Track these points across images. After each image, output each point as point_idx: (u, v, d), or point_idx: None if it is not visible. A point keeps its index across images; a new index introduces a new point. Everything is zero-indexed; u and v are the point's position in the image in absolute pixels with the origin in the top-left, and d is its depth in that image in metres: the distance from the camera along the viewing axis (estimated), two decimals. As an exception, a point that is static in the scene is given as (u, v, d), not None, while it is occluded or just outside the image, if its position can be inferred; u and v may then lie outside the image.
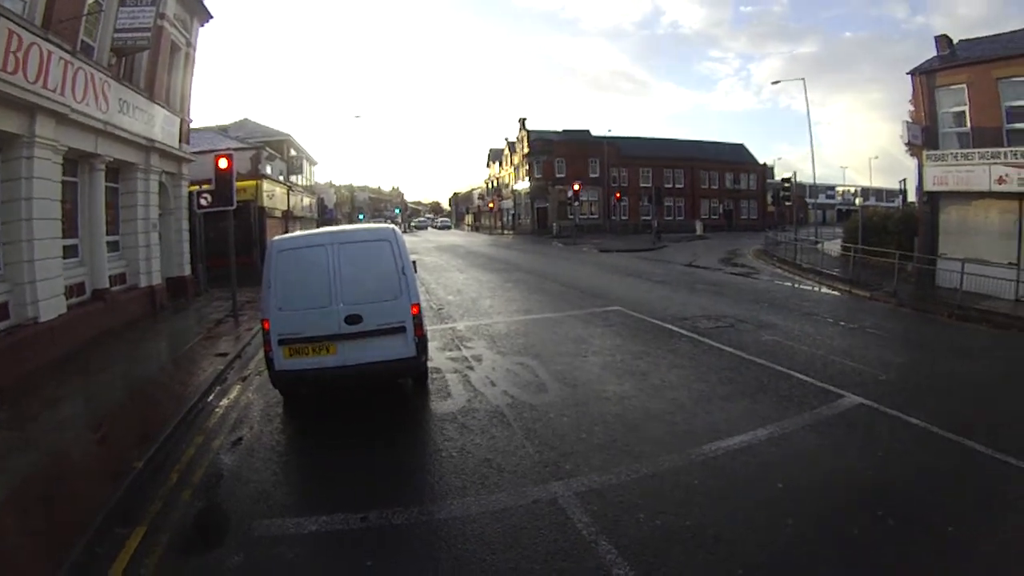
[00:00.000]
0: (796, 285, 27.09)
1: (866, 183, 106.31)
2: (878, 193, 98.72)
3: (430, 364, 12.84)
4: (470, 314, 19.50)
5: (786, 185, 46.31)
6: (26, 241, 13.62)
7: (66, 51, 14.57)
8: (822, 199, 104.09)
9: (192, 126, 26.10)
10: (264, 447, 9.46)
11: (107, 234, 18.53)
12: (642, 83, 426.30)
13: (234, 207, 20.07)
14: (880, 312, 20.00)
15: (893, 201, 72.13)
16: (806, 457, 8.45)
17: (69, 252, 16.44)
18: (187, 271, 24.78)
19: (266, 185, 36.30)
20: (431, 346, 13.55)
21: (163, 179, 22.60)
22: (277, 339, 10.11)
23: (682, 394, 11.14)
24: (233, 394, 12.36)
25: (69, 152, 15.72)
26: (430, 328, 15.62)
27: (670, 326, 16.86)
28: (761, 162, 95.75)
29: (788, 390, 11.27)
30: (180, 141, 23.59)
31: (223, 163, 19.64)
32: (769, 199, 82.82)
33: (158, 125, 21.08)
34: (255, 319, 17.63)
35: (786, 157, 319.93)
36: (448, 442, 9.21)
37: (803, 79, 53.54)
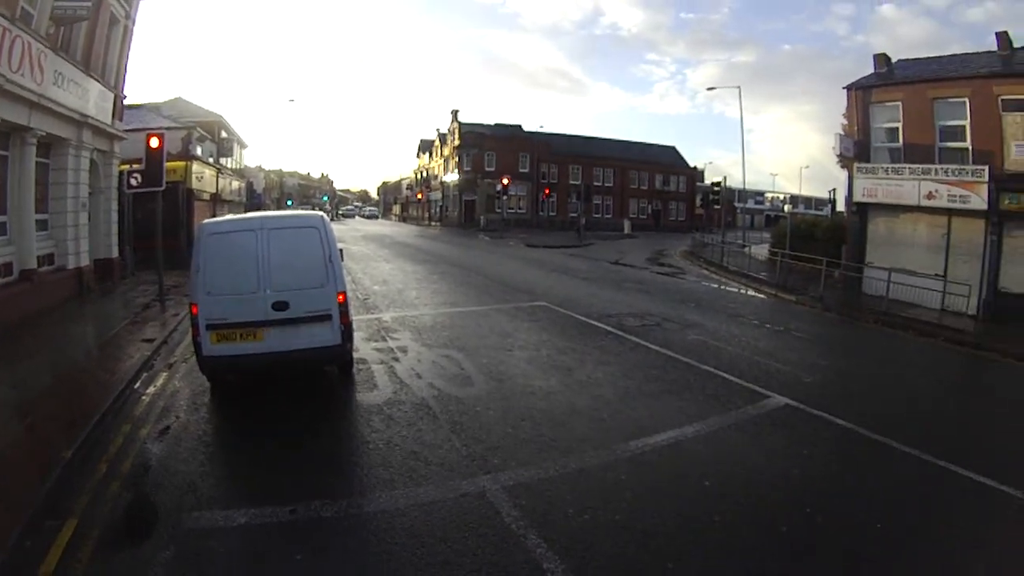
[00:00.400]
0: (722, 287, 27.56)
1: (796, 191, 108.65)
2: (807, 201, 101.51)
3: (356, 354, 12.78)
4: (396, 305, 19.29)
5: (716, 189, 47.05)
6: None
7: (4, 18, 13.80)
8: (751, 204, 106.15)
9: (125, 103, 25.09)
10: (191, 437, 9.15)
11: (36, 212, 17.68)
12: (578, 82, 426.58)
13: (163, 188, 19.34)
14: (806, 316, 20.54)
15: (822, 210, 74.40)
16: (734, 455, 8.57)
17: None
18: (115, 253, 23.86)
19: (196, 167, 35.32)
20: (357, 336, 13.48)
21: (94, 156, 21.70)
22: (205, 324, 10.03)
23: (608, 391, 11.22)
24: (160, 381, 11.92)
25: (1, 124, 15.04)
26: (356, 318, 15.37)
27: (596, 323, 16.97)
28: (692, 165, 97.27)
29: (714, 389, 11.45)
30: (113, 118, 22.69)
31: (154, 142, 18.92)
32: (698, 202, 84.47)
33: (92, 100, 20.18)
34: (181, 304, 17.25)
35: (717, 162, 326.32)
36: (375, 434, 9.08)
37: (739, 87, 56.15)
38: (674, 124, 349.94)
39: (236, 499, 7.29)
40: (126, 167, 21.24)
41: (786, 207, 79.09)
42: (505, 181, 60.20)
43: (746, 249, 38.64)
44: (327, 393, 11.33)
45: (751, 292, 25.99)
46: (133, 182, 19.19)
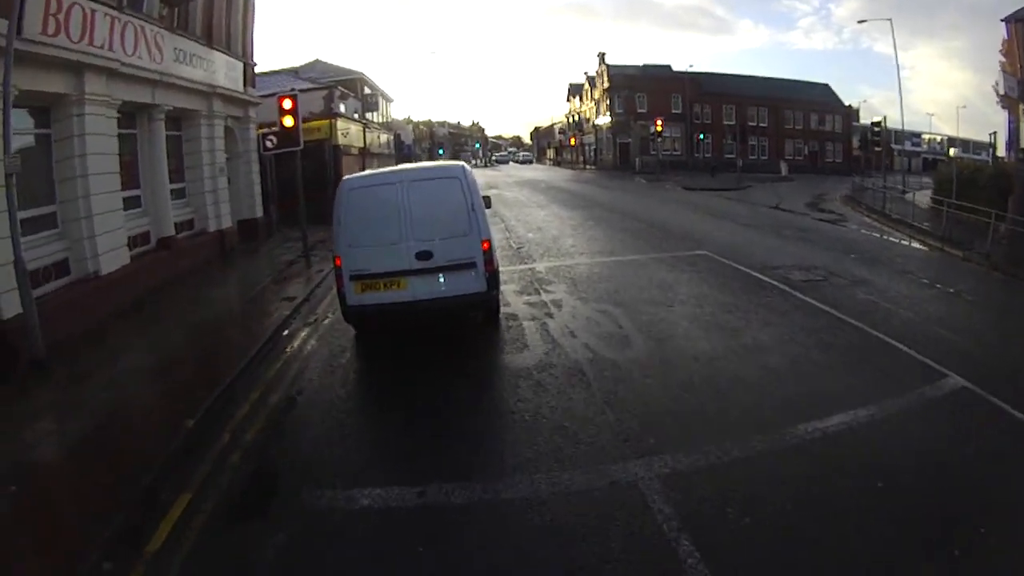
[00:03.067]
0: (885, 237, 24.89)
1: (951, 132, 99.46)
2: (964, 144, 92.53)
3: (507, 309, 12.28)
4: (551, 254, 18.54)
5: (876, 129, 43.39)
6: (82, 198, 13.16)
7: (111, 7, 13.86)
8: (907, 146, 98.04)
9: (262, 69, 25.58)
10: (322, 404, 8.92)
11: (172, 182, 17.93)
12: (721, 20, 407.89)
13: (300, 147, 19.27)
14: (976, 276, 17.88)
15: (979, 154, 68.28)
16: (913, 451, 7.18)
17: (131, 203, 15.98)
18: (258, 213, 24.28)
19: (340, 124, 35.46)
20: (508, 289, 13.04)
21: (229, 123, 22.03)
22: (349, 275, 10.16)
23: (775, 359, 9.96)
24: (296, 342, 11.80)
25: (125, 105, 15.14)
26: (508, 268, 14.98)
27: (760, 275, 15.47)
28: (847, 104, 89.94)
29: (887, 363, 9.90)
30: (245, 85, 22.92)
31: (287, 104, 18.79)
32: (855, 143, 78.84)
33: (219, 71, 20.42)
34: (327, 260, 17.11)
35: (870, 100, 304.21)
36: (521, 403, 8.42)
37: (890, 20, 49.81)
38: (821, 61, 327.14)
39: (362, 476, 6.88)
40: (264, 130, 21.25)
41: (951, 151, 73.02)
42: (659, 123, 57.59)
43: (907, 195, 34.85)
44: (472, 353, 10.83)
45: (915, 244, 23.17)
46: (269, 144, 19.14)
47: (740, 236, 22.11)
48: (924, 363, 9.85)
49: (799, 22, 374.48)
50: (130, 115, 16.21)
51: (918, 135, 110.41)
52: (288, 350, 11.35)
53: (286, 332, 12.36)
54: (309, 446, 7.65)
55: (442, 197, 10.39)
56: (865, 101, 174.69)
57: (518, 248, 19.41)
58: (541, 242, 20.58)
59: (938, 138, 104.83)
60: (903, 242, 23.64)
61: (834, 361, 9.98)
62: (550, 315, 12.28)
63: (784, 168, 65.70)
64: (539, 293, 13.93)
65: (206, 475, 6.93)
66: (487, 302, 10.92)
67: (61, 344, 10.84)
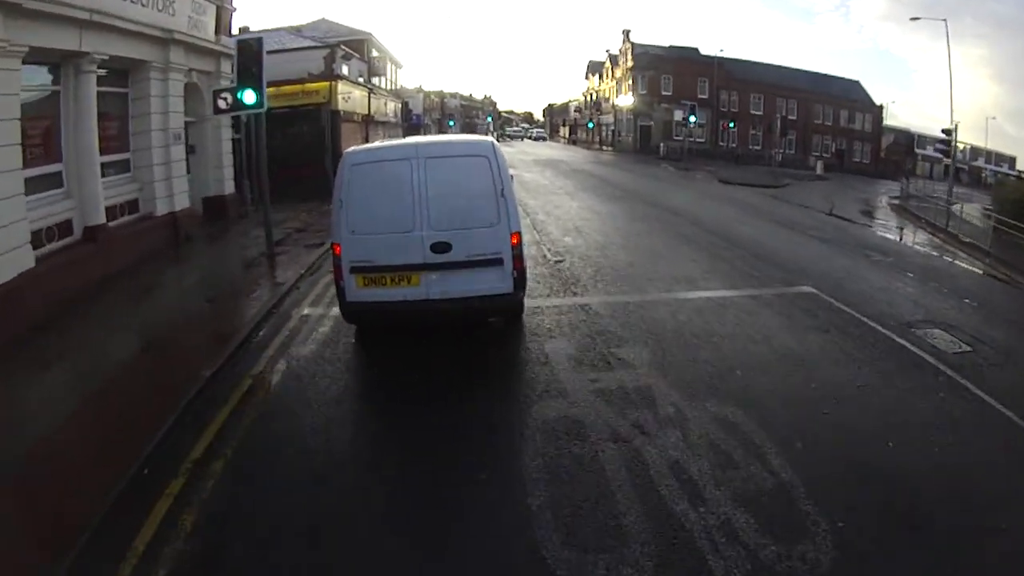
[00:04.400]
0: (975, 268, 18.97)
1: (975, 142, 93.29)
2: (988, 155, 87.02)
3: (571, 410, 7.36)
4: (604, 277, 13.37)
5: (947, 138, 38.20)
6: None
7: None
8: (929, 151, 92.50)
9: (262, 27, 21.43)
10: None
11: (111, 152, 14.14)
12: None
13: (264, 108, 14.25)
14: None
15: (1002, 166, 68.79)
16: None
17: (47, 183, 12.21)
18: (228, 189, 19.53)
19: (342, 87, 31.60)
20: (559, 351, 9.24)
21: (195, 79, 17.52)
22: (349, 266, 8.62)
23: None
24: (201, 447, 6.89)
25: (38, 53, 11.05)
26: (550, 303, 11.04)
27: (899, 339, 10.23)
28: (879, 104, 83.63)
29: None
30: (218, 32, 18.30)
31: (249, 45, 14.14)
32: (883, 143, 73.25)
33: (181, 12, 15.89)
34: (302, 256, 13.28)
35: (886, 100, 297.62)
36: None
37: (945, 20, 44.33)
38: (839, 57, 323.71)
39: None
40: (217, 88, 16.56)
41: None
42: (691, 108, 51.74)
43: (956, 208, 29.44)
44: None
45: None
46: (222, 104, 14.25)
47: (828, 260, 16.73)
48: None
49: (816, 19, 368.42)
50: (54, 67, 12.25)
51: (945, 142, 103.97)
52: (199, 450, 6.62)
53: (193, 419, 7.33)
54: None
55: (466, 178, 8.75)
56: (894, 102, 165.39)
57: (556, 262, 14.25)
58: (586, 254, 15.31)
59: (960, 146, 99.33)
60: (1005, 277, 17.78)
61: None
62: (644, 433, 6.97)
63: (820, 167, 59.88)
64: (611, 367, 8.74)
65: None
66: (512, 305, 9.40)
67: None
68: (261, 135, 14.67)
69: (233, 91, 13.82)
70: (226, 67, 18.90)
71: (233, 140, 20.44)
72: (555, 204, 23.71)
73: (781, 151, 52.25)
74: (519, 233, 8.79)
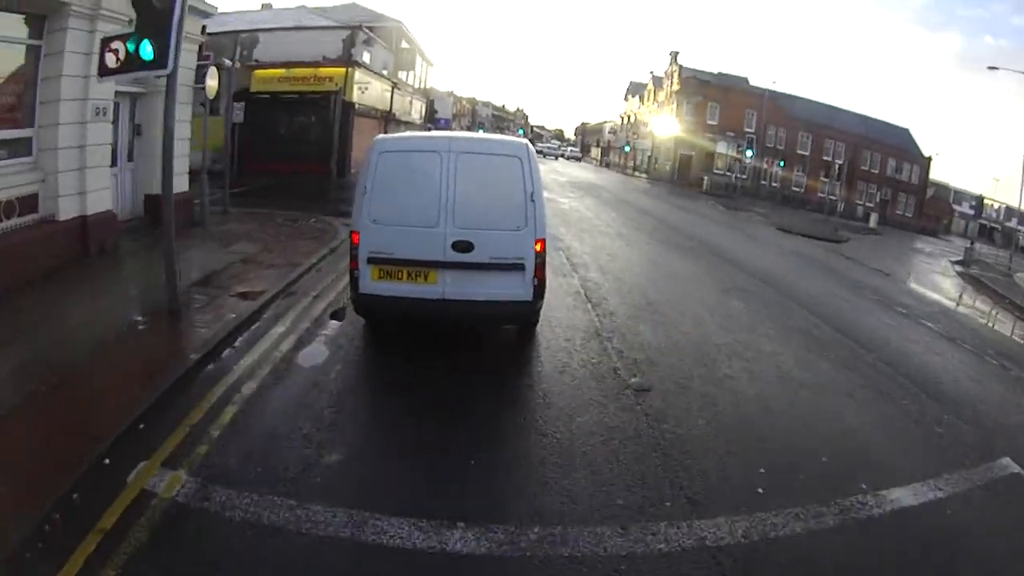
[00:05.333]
0: None
1: (1011, 202, 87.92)
2: (1021, 216, 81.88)
3: None
4: (724, 428, 7.89)
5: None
6: None
7: None
8: (966, 208, 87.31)
9: (284, 5, 17.09)
10: None
11: (4, 126, 10.20)
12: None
13: (169, 70, 8.76)
14: None
15: None
16: None
17: None
18: (182, 185, 14.58)
19: (359, 75, 27.50)
20: None
21: None
22: (367, 256, 8.10)
23: None
24: None
25: None
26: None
27: None
28: (927, 156, 78.25)
29: None
30: None
31: None
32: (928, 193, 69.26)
33: None
34: (225, 308, 9.57)
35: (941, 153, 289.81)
36: None
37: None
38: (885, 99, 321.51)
39: None
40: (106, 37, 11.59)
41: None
42: (749, 146, 46.95)
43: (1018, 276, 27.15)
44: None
45: None
46: (111, 60, 8.91)
47: (992, 390, 11.41)
48: None
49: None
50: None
51: (979, 200, 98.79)
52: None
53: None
54: None
55: (496, 177, 8.28)
56: (938, 154, 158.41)
57: (636, 392, 8.50)
58: (681, 367, 9.61)
59: (995, 204, 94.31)
60: None
61: None
62: None
63: (874, 219, 54.90)
64: None
65: None
66: (529, 315, 8.78)
67: None
68: (171, 111, 9.27)
69: (125, 40, 8.68)
70: (197, 26, 14.51)
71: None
72: (608, 252, 18.37)
73: (836, 198, 47.49)
74: (544, 240, 8.37)
